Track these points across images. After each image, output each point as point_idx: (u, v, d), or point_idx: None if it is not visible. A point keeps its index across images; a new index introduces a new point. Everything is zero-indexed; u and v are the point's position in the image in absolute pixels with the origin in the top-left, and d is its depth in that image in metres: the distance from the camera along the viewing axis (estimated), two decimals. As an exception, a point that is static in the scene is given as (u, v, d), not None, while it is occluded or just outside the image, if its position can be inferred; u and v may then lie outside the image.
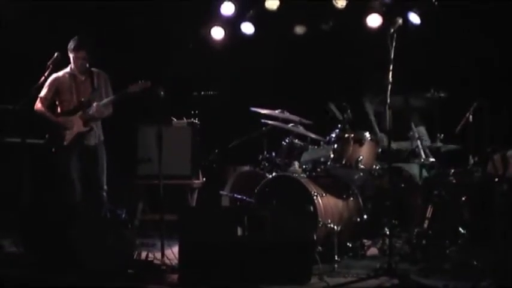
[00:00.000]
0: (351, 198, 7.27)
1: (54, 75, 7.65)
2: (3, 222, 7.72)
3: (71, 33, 8.19)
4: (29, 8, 8.82)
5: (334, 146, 7.27)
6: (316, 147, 7.77)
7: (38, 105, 7.66)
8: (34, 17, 8.99)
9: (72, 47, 7.63)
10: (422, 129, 7.63)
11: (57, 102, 7.70)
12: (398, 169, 7.52)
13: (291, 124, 7.91)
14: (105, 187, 7.68)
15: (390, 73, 6.16)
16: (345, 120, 7.44)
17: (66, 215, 6.63)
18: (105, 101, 7.67)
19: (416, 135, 7.33)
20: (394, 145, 6.34)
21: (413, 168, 7.54)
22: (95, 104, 7.60)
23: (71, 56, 7.67)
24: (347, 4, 8.66)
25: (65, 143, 7.59)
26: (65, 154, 7.60)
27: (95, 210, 7.43)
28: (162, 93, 7.19)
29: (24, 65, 8.55)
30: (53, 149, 7.63)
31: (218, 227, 6.12)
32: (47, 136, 7.75)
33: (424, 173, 7.30)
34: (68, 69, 7.73)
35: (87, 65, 7.69)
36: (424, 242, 6.83)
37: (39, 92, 7.64)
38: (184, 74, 9.30)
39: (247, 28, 9.34)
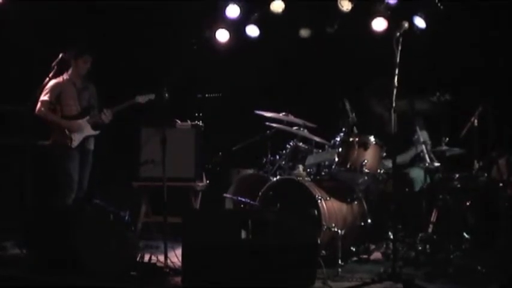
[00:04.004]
0: (355, 202, 7.26)
1: (55, 81, 7.82)
2: (6, 224, 7.72)
3: (75, 35, 8.26)
4: (33, 9, 8.83)
5: (338, 149, 7.25)
6: (320, 150, 7.76)
7: (42, 108, 7.80)
8: (37, 17, 8.99)
9: (78, 52, 7.84)
10: (425, 134, 7.60)
11: (57, 107, 7.86)
12: (402, 173, 7.50)
13: (296, 127, 7.90)
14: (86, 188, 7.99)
15: (396, 77, 6.13)
16: (350, 123, 7.43)
17: (69, 217, 6.62)
18: (116, 108, 7.99)
19: (421, 139, 7.30)
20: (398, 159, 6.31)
21: (418, 172, 7.52)
22: (105, 110, 7.93)
23: (74, 61, 7.87)
24: (352, 7, 8.63)
25: (74, 144, 7.81)
26: (71, 156, 7.81)
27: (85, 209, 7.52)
28: (166, 95, 7.20)
29: (28, 66, 8.56)
30: (58, 151, 7.82)
31: (222, 230, 6.09)
32: (51, 138, 7.89)
33: (427, 178, 7.27)
34: (66, 76, 7.92)
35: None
36: (428, 246, 6.82)
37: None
38: (189, 76, 9.29)
39: (252, 31, 9.32)
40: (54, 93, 7.81)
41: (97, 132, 7.98)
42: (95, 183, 8.39)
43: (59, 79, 7.84)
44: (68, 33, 8.79)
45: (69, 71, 7.94)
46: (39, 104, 7.78)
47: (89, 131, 7.91)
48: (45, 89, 7.77)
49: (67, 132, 7.78)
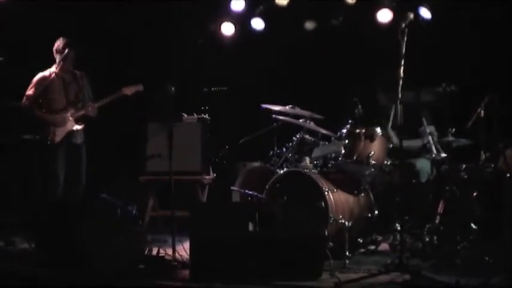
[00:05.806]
0: (362, 194, 7.26)
1: (40, 74, 7.84)
2: (14, 219, 7.75)
3: (77, 30, 8.26)
4: (32, 6, 8.84)
5: (345, 141, 7.25)
6: (327, 142, 7.76)
7: (26, 102, 7.82)
8: (37, 13, 9.00)
9: (62, 46, 7.81)
10: (432, 128, 7.58)
11: (41, 101, 7.85)
12: (409, 165, 7.49)
13: (302, 119, 7.90)
14: (84, 182, 7.93)
15: (401, 68, 6.12)
16: (356, 115, 7.43)
17: (75, 212, 6.64)
18: (101, 101, 7.92)
19: (428, 130, 7.29)
20: (404, 144, 6.27)
21: (424, 163, 7.51)
22: (90, 103, 7.88)
23: (59, 55, 7.81)
24: (357, -1, 8.63)
25: (57, 139, 7.78)
26: (55, 150, 7.79)
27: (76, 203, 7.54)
28: (172, 89, 7.21)
29: (29, 64, 8.57)
30: (42, 146, 7.85)
31: (229, 223, 6.11)
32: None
33: (434, 169, 7.27)
34: (53, 69, 7.90)
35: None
36: (435, 237, 6.82)
37: None
38: (195, 70, 9.29)
39: (258, 24, 9.31)
40: (40, 87, 7.80)
41: (80, 126, 7.88)
42: (102, 178, 8.42)
43: (46, 73, 7.85)
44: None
45: (57, 65, 7.91)
46: (24, 98, 7.82)
47: (72, 125, 7.83)
48: (31, 83, 7.80)
49: (51, 126, 7.77)
